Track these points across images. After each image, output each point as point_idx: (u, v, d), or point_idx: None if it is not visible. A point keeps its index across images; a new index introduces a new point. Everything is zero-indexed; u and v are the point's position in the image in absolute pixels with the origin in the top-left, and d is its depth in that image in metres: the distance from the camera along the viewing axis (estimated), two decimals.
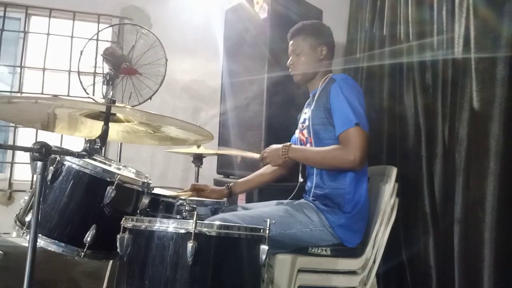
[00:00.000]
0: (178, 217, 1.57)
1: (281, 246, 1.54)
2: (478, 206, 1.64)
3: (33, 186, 1.84)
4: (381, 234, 1.67)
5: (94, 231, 1.29)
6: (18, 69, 3.08)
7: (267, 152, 1.70)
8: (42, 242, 1.27)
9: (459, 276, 1.75)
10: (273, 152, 1.67)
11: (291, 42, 1.79)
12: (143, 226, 1.13)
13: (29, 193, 1.41)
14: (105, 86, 2.58)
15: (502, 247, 1.59)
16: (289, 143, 1.67)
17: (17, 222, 1.38)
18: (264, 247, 1.14)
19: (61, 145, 2.74)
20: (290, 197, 1.80)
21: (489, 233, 1.60)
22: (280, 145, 1.66)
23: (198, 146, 2.10)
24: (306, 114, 1.77)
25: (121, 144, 2.61)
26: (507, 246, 1.59)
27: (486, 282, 1.59)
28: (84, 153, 1.08)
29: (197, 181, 2.32)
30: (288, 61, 1.80)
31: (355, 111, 1.53)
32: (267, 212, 1.62)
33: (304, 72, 1.76)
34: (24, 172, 3.05)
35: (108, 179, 1.33)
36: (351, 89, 1.58)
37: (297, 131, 1.83)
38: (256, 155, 1.79)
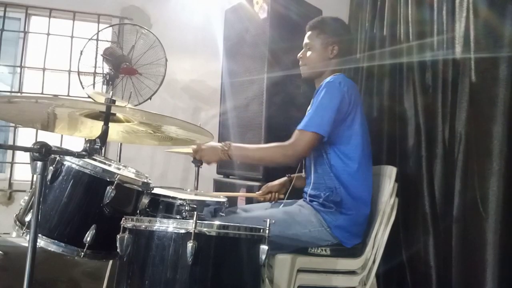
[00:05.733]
0: (178, 217, 1.57)
1: (280, 247, 1.54)
2: (481, 206, 1.64)
3: (33, 186, 1.84)
4: (381, 234, 1.67)
5: (94, 231, 1.28)
6: (18, 69, 3.08)
7: (204, 147, 1.67)
8: (42, 242, 1.27)
9: (457, 276, 1.75)
10: (211, 149, 1.66)
11: (307, 34, 1.81)
12: (143, 226, 1.13)
13: (29, 193, 1.41)
14: (105, 86, 2.58)
15: (505, 247, 1.58)
16: (228, 142, 1.66)
17: (17, 222, 1.38)
18: (264, 247, 1.14)
19: (61, 145, 2.74)
20: (286, 197, 1.81)
21: (492, 234, 1.59)
22: (219, 144, 1.66)
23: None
24: None
25: (121, 144, 2.61)
26: (510, 246, 1.59)
27: (489, 283, 1.59)
28: (84, 153, 1.08)
29: (197, 181, 2.32)
30: (300, 53, 1.81)
31: (317, 115, 1.56)
32: (265, 214, 1.62)
33: (311, 69, 1.78)
34: (24, 172, 3.05)
35: (108, 179, 1.33)
36: (329, 92, 1.59)
37: None
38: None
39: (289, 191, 1.85)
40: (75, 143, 2.58)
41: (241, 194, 2.23)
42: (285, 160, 1.62)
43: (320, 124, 1.56)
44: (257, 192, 1.92)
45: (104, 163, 1.43)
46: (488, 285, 1.59)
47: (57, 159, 1.31)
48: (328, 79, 1.64)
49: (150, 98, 2.64)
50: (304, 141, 1.56)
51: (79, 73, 2.60)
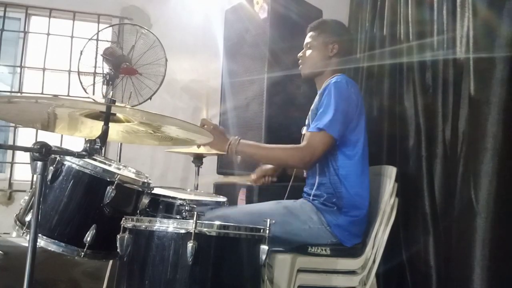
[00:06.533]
0: (178, 217, 1.57)
1: (280, 243, 1.54)
2: (477, 205, 1.64)
3: (33, 186, 1.84)
4: (381, 234, 1.67)
5: (94, 231, 1.28)
6: (18, 69, 3.08)
7: (216, 131, 1.59)
8: (42, 242, 1.27)
9: (456, 276, 1.74)
10: (221, 138, 1.59)
11: (308, 34, 1.82)
12: (143, 226, 1.13)
13: (29, 193, 1.41)
14: (105, 86, 2.58)
15: (498, 246, 1.58)
16: (238, 137, 1.60)
17: (17, 222, 1.38)
18: (264, 247, 1.14)
19: (61, 145, 2.74)
20: (286, 196, 1.81)
21: (486, 232, 1.59)
22: (230, 137, 1.60)
23: (199, 146, 2.10)
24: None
25: (121, 144, 2.61)
26: (504, 246, 1.58)
27: (478, 282, 1.59)
28: (84, 153, 1.08)
29: (197, 182, 2.32)
30: (300, 53, 1.82)
31: (332, 117, 1.53)
32: (266, 208, 1.62)
33: (311, 67, 1.78)
34: (24, 172, 3.05)
35: (108, 179, 1.33)
36: (338, 93, 1.58)
37: (304, 128, 1.83)
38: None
39: (289, 187, 1.84)
40: (75, 143, 2.58)
41: (237, 179, 2.22)
42: (301, 165, 1.59)
43: (336, 127, 1.54)
44: (251, 175, 1.92)
45: (104, 163, 1.43)
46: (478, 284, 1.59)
47: (57, 159, 1.31)
48: (334, 79, 1.63)
49: (150, 98, 2.64)
50: (322, 144, 1.53)
51: (79, 73, 2.60)
